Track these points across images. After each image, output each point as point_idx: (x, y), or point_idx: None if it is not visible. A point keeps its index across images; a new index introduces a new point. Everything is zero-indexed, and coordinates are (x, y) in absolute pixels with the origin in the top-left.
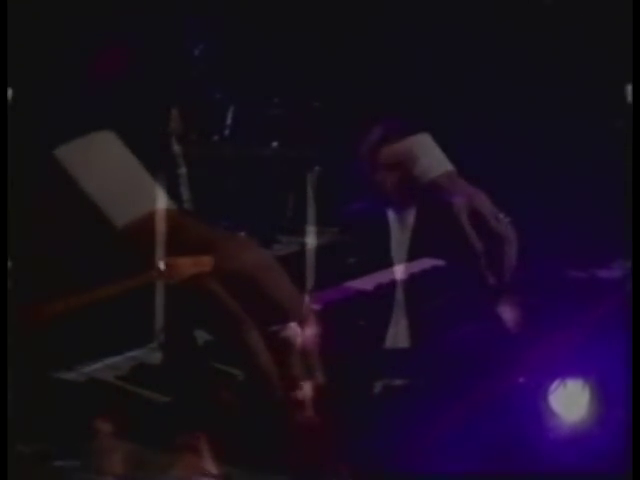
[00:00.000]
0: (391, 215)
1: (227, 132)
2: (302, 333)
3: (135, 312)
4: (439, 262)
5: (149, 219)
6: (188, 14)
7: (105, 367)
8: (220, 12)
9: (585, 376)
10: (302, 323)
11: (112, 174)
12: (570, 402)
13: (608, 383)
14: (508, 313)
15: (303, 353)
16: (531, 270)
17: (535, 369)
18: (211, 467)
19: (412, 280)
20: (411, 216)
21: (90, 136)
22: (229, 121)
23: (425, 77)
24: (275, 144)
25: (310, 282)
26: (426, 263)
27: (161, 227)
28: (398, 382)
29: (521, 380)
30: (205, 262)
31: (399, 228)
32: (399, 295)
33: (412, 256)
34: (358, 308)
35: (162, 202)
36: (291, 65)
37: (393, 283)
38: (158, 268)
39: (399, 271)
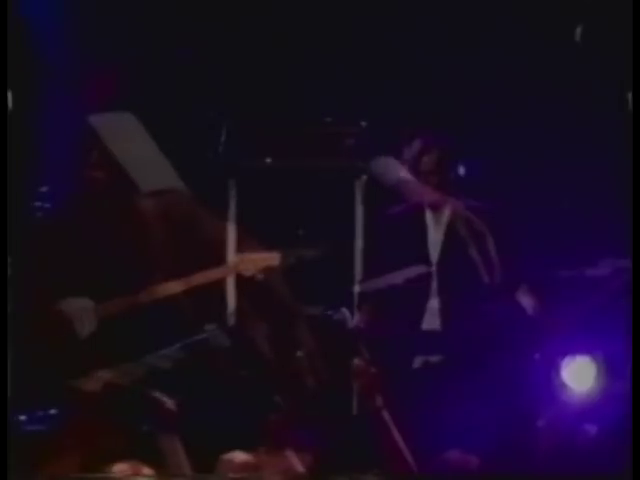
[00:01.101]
0: (427, 215)
1: (291, 148)
2: (353, 317)
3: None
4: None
5: (171, 194)
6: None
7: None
8: (268, 41)
9: (592, 353)
10: (354, 309)
11: (139, 145)
12: (579, 375)
13: (612, 359)
14: (525, 300)
15: (353, 334)
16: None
17: (549, 347)
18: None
19: (444, 272)
20: (445, 217)
21: (119, 113)
22: (293, 138)
23: (455, 95)
24: (327, 157)
25: (359, 273)
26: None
27: (179, 206)
28: (433, 358)
29: (537, 356)
30: (273, 258)
31: (434, 227)
32: (433, 285)
33: (445, 251)
34: (400, 296)
35: (182, 184)
36: (341, 90)
37: (429, 275)
38: (233, 262)
39: (434, 262)
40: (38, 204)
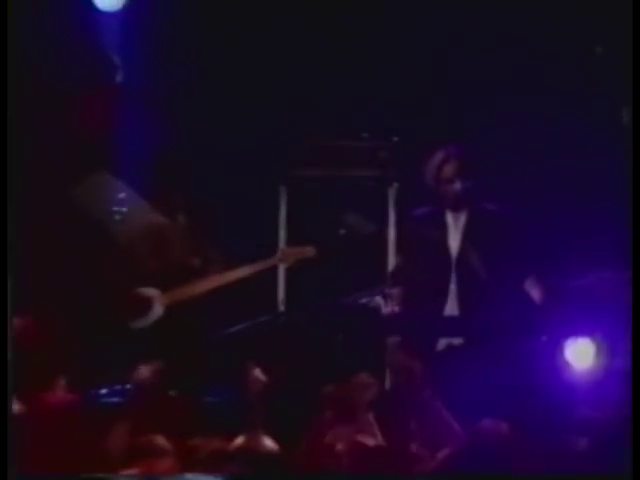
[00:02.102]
0: (449, 217)
1: (333, 159)
2: (385, 304)
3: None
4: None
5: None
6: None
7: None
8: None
9: (591, 335)
10: (386, 297)
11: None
12: (580, 354)
13: (609, 340)
14: (533, 290)
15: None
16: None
17: (554, 331)
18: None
19: (462, 266)
20: (463, 217)
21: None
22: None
23: (473, 112)
24: (364, 167)
25: (391, 264)
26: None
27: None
28: (455, 340)
29: (543, 339)
30: (310, 251)
31: (454, 226)
32: (453, 277)
33: (463, 247)
34: (425, 285)
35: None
36: (376, 110)
37: (449, 265)
38: (279, 254)
39: (453, 257)
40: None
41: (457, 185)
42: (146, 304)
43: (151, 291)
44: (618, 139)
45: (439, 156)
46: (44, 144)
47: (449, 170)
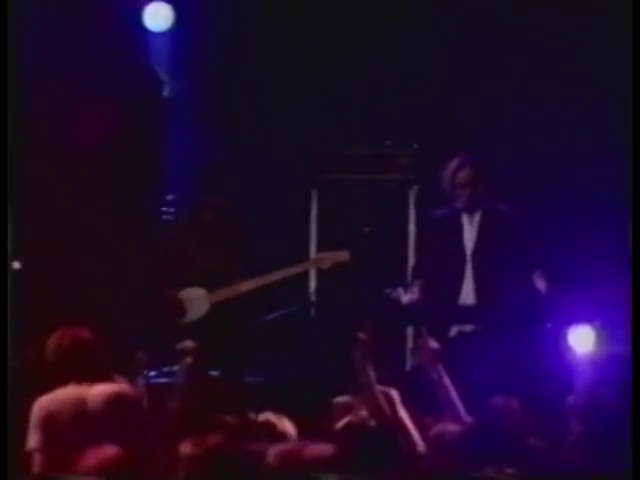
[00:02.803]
0: (464, 217)
1: (360, 164)
2: (405, 295)
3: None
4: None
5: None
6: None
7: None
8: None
9: (591, 323)
10: (406, 289)
11: None
12: (581, 340)
13: (607, 327)
14: (539, 282)
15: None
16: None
17: (558, 319)
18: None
19: (477, 260)
20: (477, 217)
21: None
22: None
23: (486, 122)
24: (387, 171)
25: (411, 259)
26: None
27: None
28: (467, 327)
29: (548, 326)
30: (344, 254)
31: (469, 225)
32: (468, 269)
33: (477, 244)
34: (442, 278)
35: None
36: (398, 120)
37: (464, 260)
38: (316, 259)
39: (468, 253)
40: (165, 209)
41: (470, 189)
42: (193, 302)
43: (198, 290)
44: (619, 146)
45: (454, 163)
46: (98, 149)
47: (463, 176)
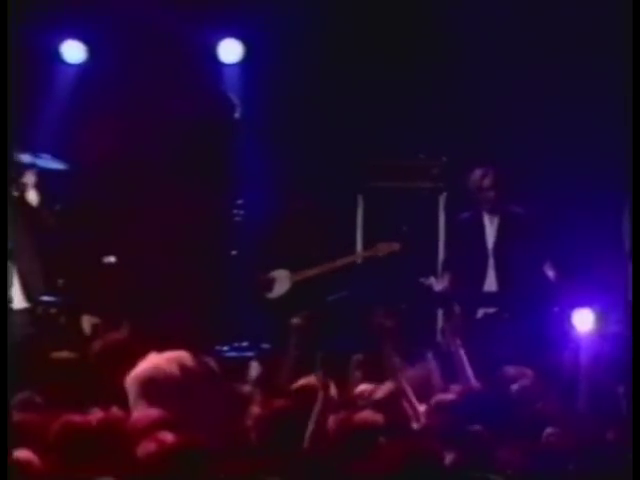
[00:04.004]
0: (485, 218)
1: (398, 173)
2: (437, 283)
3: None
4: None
5: None
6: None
7: None
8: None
9: (592, 306)
10: (438, 278)
11: None
12: (583, 321)
13: (604, 311)
14: (549, 272)
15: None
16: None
17: (563, 303)
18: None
19: (497, 254)
20: (496, 218)
21: None
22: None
23: (507, 137)
24: (421, 180)
25: (442, 254)
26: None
27: None
28: (491, 310)
29: (556, 309)
30: (395, 246)
31: (490, 225)
32: (490, 262)
33: (497, 241)
34: (468, 269)
35: None
36: (431, 137)
37: (486, 254)
38: (377, 247)
39: (490, 248)
40: (237, 211)
41: (492, 193)
42: (278, 281)
43: (282, 272)
44: (617, 151)
45: (479, 172)
46: (182, 162)
47: (487, 182)
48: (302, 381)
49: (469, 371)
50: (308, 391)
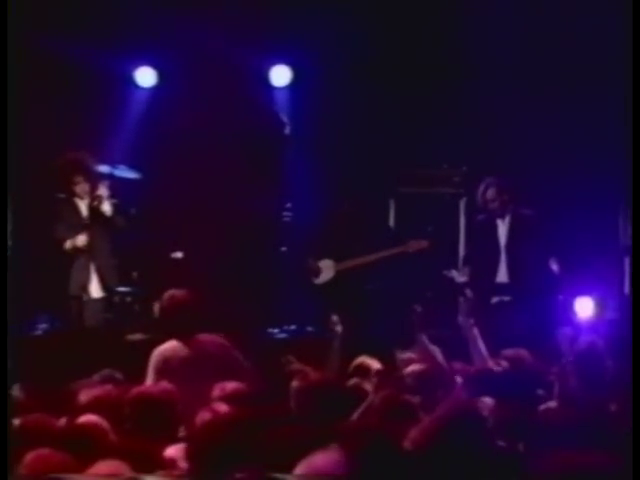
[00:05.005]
0: (498, 220)
1: (424, 181)
2: (458, 275)
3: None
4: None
5: None
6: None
7: None
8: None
9: (591, 295)
10: (459, 270)
11: None
12: (583, 307)
13: (602, 299)
14: (554, 266)
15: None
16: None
17: (567, 292)
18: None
19: (509, 250)
20: (507, 220)
21: None
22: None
23: (511, 152)
24: (444, 187)
25: (462, 250)
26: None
27: None
28: (505, 298)
29: (560, 297)
30: (424, 243)
31: (501, 225)
32: (503, 257)
33: (508, 239)
34: (484, 264)
35: None
36: (454, 149)
37: (499, 250)
38: (409, 244)
39: (502, 245)
40: (285, 214)
41: (496, 203)
42: (324, 269)
43: (327, 262)
44: (616, 160)
45: (482, 187)
46: (239, 172)
47: (490, 194)
48: (358, 360)
49: (483, 348)
50: (363, 369)
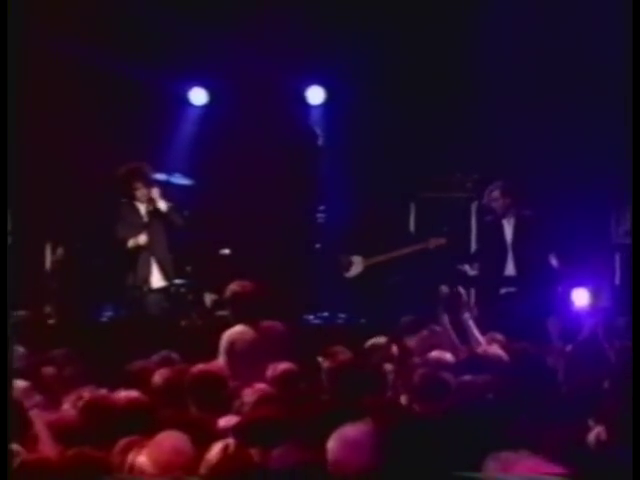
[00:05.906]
0: (504, 221)
1: (440, 187)
2: (470, 269)
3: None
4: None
5: None
6: None
7: None
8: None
9: (586, 287)
10: (471, 265)
11: None
12: (580, 297)
13: (596, 290)
14: (554, 261)
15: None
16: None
17: (565, 284)
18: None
19: (515, 246)
20: (512, 220)
21: None
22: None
23: (514, 157)
24: (457, 192)
25: (473, 248)
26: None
27: None
28: (512, 289)
29: (560, 289)
30: (442, 241)
31: (507, 225)
32: (509, 253)
33: (514, 237)
34: (492, 259)
35: None
36: (466, 159)
37: (506, 247)
38: (429, 241)
39: (508, 243)
40: (319, 215)
41: (500, 201)
42: (355, 263)
43: (357, 257)
44: (609, 166)
45: (490, 187)
46: (277, 179)
47: (496, 193)
48: (372, 340)
49: (479, 335)
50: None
